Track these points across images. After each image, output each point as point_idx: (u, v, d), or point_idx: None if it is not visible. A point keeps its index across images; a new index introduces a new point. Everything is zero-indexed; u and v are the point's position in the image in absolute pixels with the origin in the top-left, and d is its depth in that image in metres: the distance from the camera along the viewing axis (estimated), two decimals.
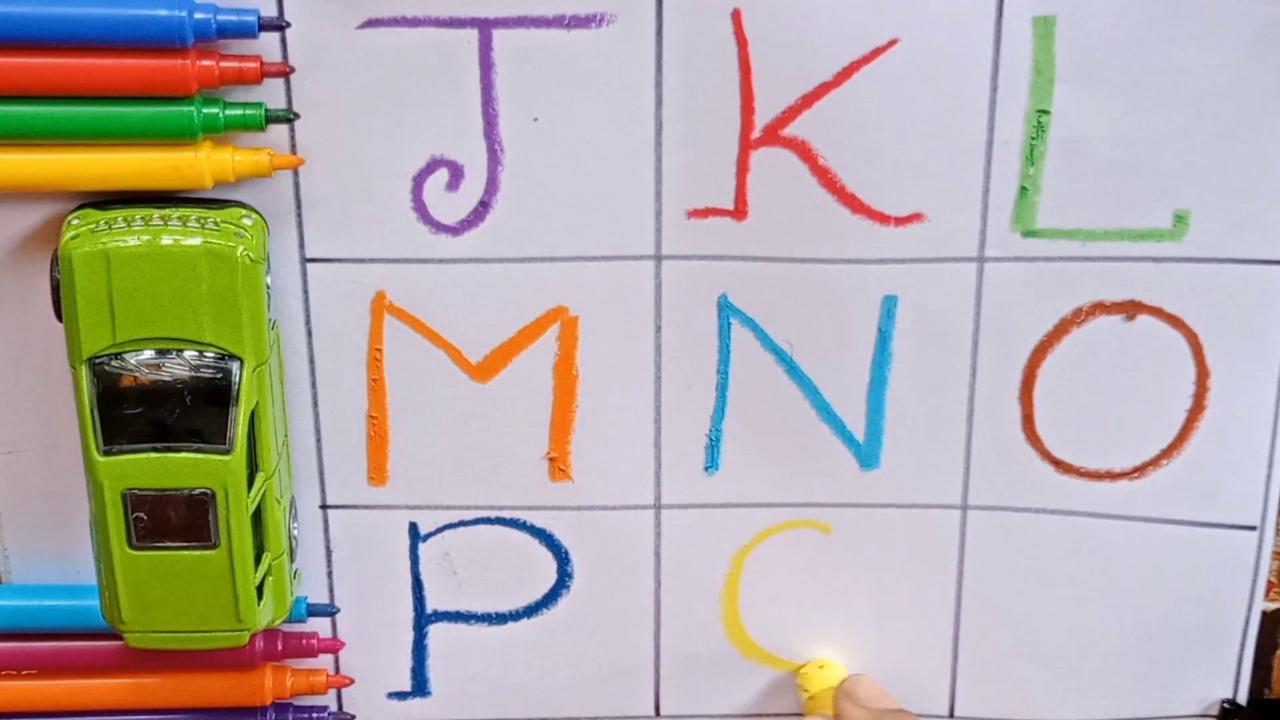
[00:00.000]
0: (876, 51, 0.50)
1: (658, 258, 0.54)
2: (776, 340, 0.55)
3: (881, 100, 0.51)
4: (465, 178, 0.52)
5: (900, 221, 0.53)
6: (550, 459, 0.56)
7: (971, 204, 0.53)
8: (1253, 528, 0.57)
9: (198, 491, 0.50)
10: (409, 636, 0.59)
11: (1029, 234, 0.53)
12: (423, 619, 0.59)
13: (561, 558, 0.58)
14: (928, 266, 0.53)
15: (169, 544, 0.51)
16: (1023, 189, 0.52)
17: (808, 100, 0.51)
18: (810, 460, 0.57)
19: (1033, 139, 0.52)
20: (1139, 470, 0.56)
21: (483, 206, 0.53)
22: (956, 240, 0.53)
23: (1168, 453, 0.56)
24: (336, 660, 0.59)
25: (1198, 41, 0.50)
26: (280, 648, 0.57)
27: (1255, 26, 0.50)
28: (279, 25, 0.49)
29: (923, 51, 0.50)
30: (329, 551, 0.57)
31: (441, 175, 0.52)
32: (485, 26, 0.50)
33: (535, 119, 0.51)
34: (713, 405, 0.56)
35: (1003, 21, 0.50)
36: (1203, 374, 0.55)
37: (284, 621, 0.56)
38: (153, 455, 0.50)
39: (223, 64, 0.49)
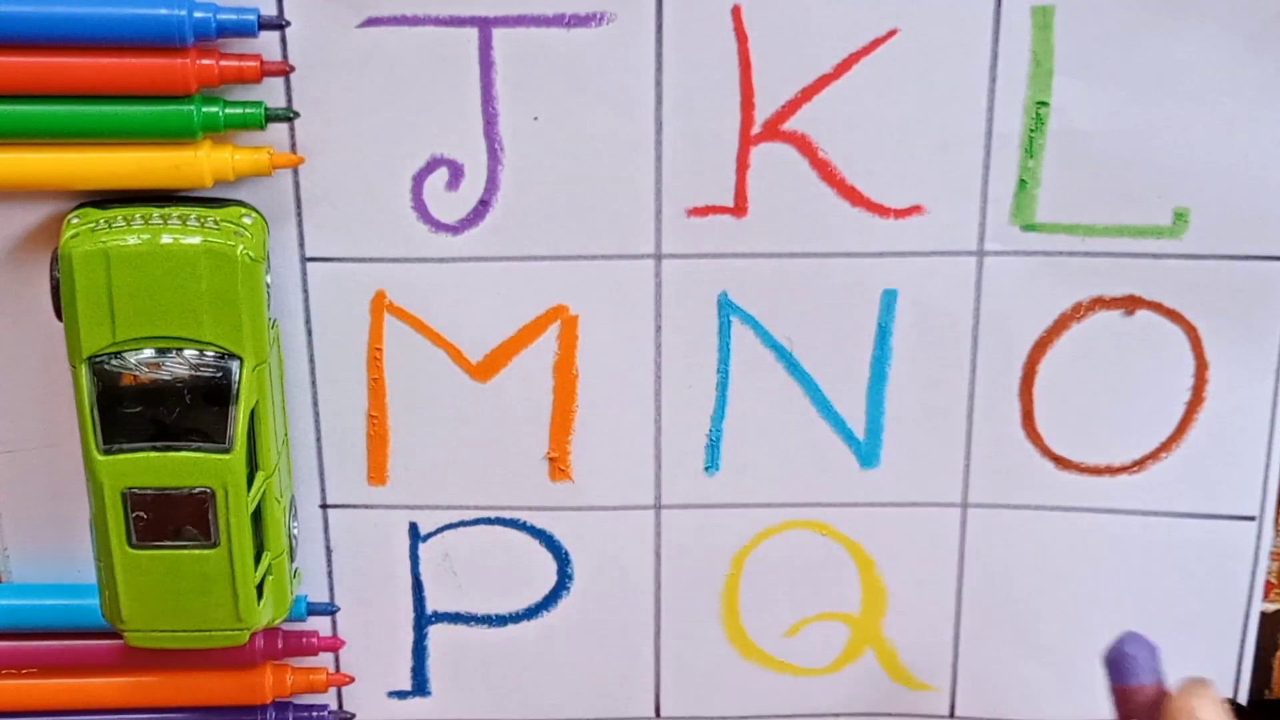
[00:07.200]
0: (876, 42, 0.50)
1: (658, 257, 0.54)
2: (777, 337, 0.55)
3: (880, 91, 0.51)
4: (465, 177, 0.52)
5: (900, 214, 0.53)
6: (550, 459, 0.56)
7: (971, 196, 0.53)
8: (1251, 518, 0.57)
9: (198, 490, 0.50)
10: (409, 636, 0.59)
11: (1028, 228, 0.53)
12: (423, 619, 0.59)
13: (562, 558, 0.58)
14: (927, 260, 0.53)
15: (169, 543, 0.51)
16: (1022, 182, 0.52)
17: (807, 94, 0.51)
18: (811, 460, 0.56)
19: (1032, 131, 0.52)
20: (1139, 464, 0.56)
21: (482, 205, 0.53)
22: (956, 233, 0.53)
23: (1167, 446, 0.56)
24: (336, 659, 0.59)
25: (1197, 35, 0.50)
26: (280, 647, 0.57)
27: (1256, 21, 0.50)
28: (279, 24, 0.49)
29: (921, 42, 0.50)
30: (329, 551, 0.57)
31: (441, 174, 0.52)
32: (485, 25, 0.50)
33: (535, 118, 0.51)
34: (713, 405, 0.56)
35: (1001, 11, 0.50)
36: (1201, 367, 0.55)
37: (284, 620, 0.56)
38: (152, 454, 0.50)
39: (222, 63, 0.49)
